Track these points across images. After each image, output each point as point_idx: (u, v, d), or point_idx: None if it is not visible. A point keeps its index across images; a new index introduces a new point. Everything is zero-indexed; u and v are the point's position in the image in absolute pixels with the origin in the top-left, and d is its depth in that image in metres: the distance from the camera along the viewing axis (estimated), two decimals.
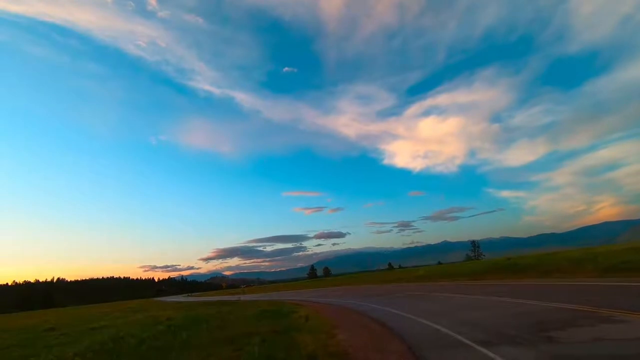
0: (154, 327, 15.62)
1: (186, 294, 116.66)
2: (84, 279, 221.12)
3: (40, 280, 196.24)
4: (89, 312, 49.23)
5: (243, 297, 39.83)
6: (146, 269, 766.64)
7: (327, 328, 9.91)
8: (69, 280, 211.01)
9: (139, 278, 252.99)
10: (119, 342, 11.89)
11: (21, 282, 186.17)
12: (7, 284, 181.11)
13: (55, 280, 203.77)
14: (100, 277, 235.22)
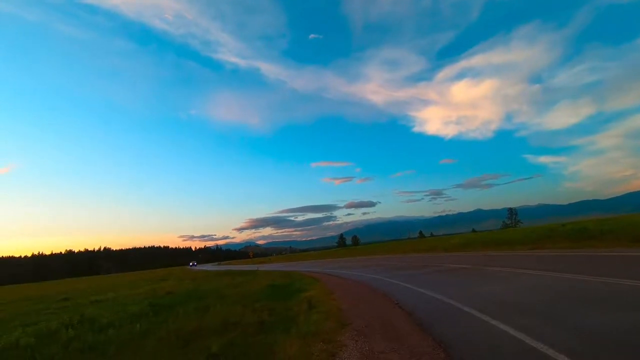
0: (134, 307, 12.92)
1: (216, 263, 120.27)
2: (128, 248, 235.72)
3: (89, 249, 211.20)
4: (117, 280, 50.16)
5: (261, 267, 37.68)
6: (185, 238, 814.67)
7: (331, 327, 6.21)
8: (114, 249, 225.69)
9: (177, 247, 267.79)
10: (63, 331, 9.03)
11: (73, 251, 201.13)
12: (60, 252, 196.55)
13: (102, 249, 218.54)
14: (143, 247, 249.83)
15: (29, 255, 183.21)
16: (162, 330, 8.13)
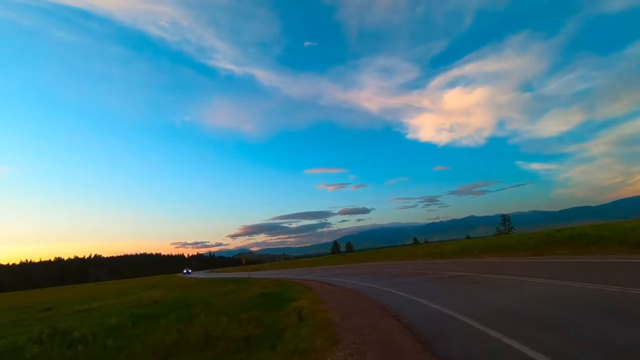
0: (114, 318, 12.11)
1: (209, 270, 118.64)
2: (119, 255, 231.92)
3: (79, 257, 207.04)
4: (106, 288, 48.70)
5: (254, 275, 36.80)
6: (177, 245, 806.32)
7: (321, 343, 5.58)
8: (105, 256, 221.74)
9: (169, 254, 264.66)
10: (29, 347, 8.27)
11: (62, 259, 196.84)
12: (50, 260, 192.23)
13: (92, 256, 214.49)
14: (134, 254, 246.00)
15: (17, 262, 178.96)
16: (138, 345, 7.44)
